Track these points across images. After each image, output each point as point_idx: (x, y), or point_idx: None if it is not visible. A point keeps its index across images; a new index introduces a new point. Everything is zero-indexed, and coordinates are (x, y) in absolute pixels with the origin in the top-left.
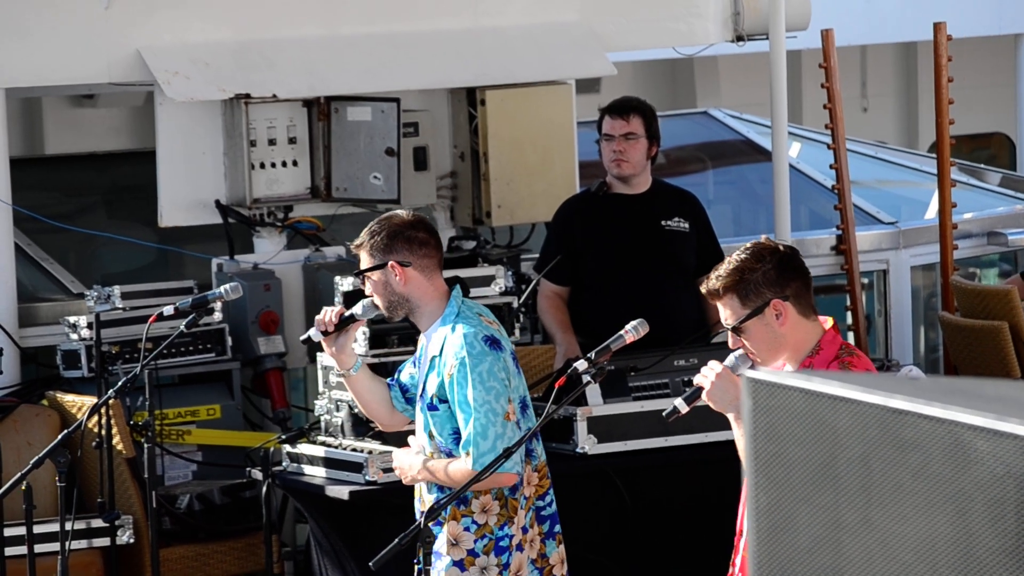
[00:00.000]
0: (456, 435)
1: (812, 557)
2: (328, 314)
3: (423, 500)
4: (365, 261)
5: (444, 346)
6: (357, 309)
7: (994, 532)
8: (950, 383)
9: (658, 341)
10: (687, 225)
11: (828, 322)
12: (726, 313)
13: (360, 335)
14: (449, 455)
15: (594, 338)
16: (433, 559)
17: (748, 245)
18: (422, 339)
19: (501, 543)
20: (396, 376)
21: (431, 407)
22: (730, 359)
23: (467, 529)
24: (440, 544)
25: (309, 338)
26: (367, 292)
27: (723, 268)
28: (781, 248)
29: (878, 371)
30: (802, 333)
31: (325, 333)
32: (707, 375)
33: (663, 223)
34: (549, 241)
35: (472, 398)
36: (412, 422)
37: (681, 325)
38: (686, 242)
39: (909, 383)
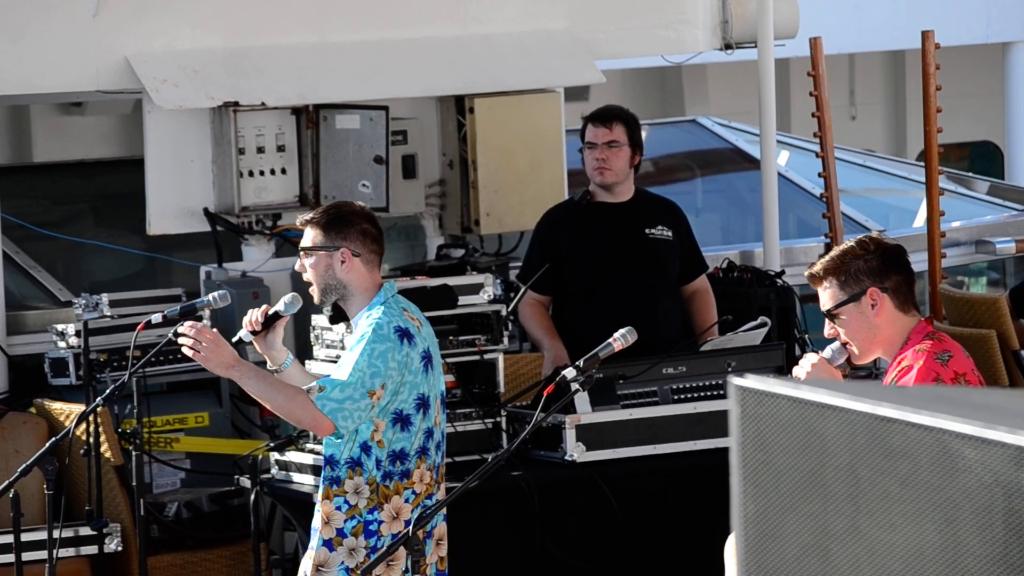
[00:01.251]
0: (396, 408)
1: (800, 565)
2: (254, 314)
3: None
4: (314, 238)
5: (358, 327)
6: (280, 306)
7: (982, 540)
8: (938, 391)
9: (643, 349)
10: (670, 233)
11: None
12: (824, 298)
13: (348, 343)
14: (397, 417)
15: (579, 346)
16: (311, 537)
17: (858, 236)
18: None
19: (370, 527)
20: (329, 375)
21: None
22: (828, 350)
23: (338, 508)
24: (315, 522)
25: (240, 340)
26: (298, 268)
27: (828, 254)
28: (888, 243)
29: (871, 378)
30: (898, 327)
31: (254, 333)
32: (803, 366)
33: (647, 231)
34: (532, 250)
35: (354, 362)
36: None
37: (666, 333)
38: (669, 250)
39: (897, 391)
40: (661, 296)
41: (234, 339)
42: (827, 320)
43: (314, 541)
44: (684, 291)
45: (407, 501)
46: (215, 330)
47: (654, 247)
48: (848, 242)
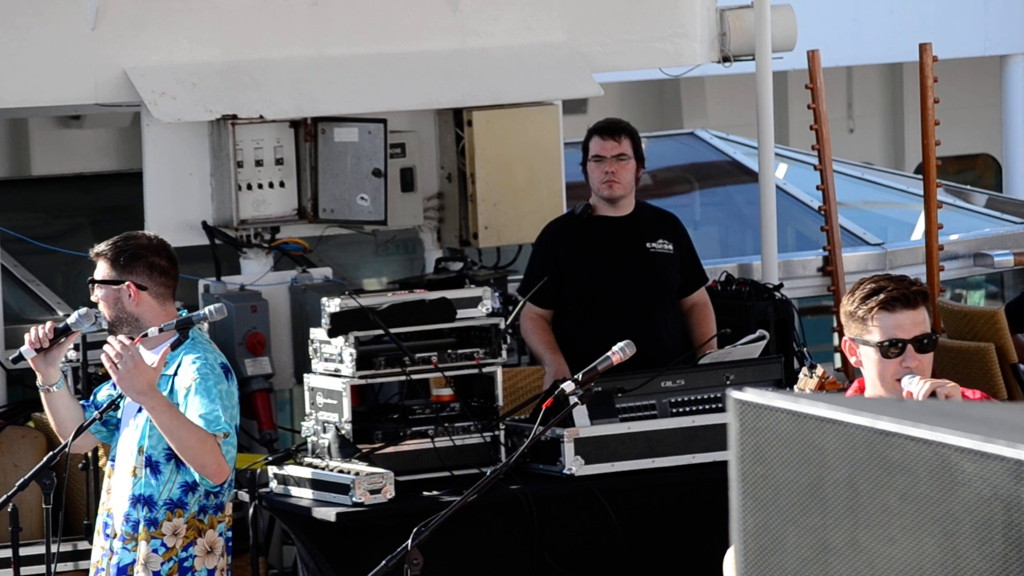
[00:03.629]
0: (170, 452)
1: None
2: (40, 330)
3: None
4: (103, 271)
5: (181, 365)
6: (71, 320)
7: (981, 554)
8: (937, 405)
9: (644, 363)
10: (671, 247)
11: None
12: (923, 320)
13: (347, 356)
14: (155, 470)
15: (580, 360)
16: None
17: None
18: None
19: (185, 563)
20: (93, 397)
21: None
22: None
23: (155, 551)
24: (119, 559)
25: (20, 355)
26: (94, 299)
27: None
28: None
29: None
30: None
31: (39, 350)
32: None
33: (648, 245)
34: (533, 263)
35: (218, 407)
36: (100, 444)
37: (667, 346)
38: (670, 264)
39: (896, 404)
40: (662, 310)
41: (13, 356)
42: (912, 347)
43: None
44: (683, 304)
45: (220, 535)
46: (141, 353)
47: (655, 261)
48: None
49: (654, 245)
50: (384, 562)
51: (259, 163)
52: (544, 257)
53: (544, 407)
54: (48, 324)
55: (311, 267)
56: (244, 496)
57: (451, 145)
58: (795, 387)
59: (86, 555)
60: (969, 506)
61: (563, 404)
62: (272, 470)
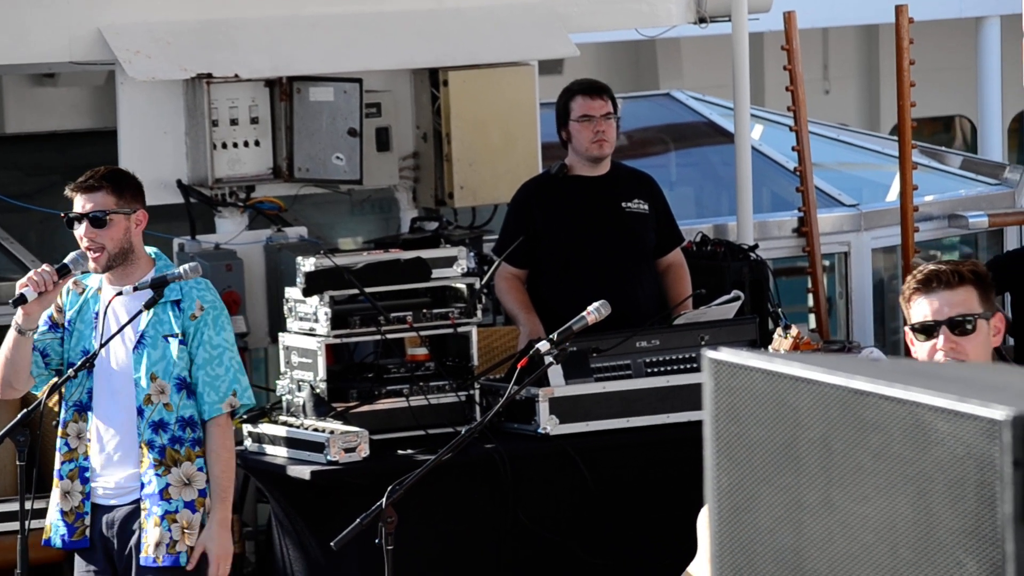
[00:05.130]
0: (180, 373)
1: (773, 537)
2: (44, 273)
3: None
4: (108, 202)
5: (187, 292)
6: (68, 260)
7: (954, 512)
8: (910, 364)
9: (619, 323)
10: (647, 207)
11: None
12: (962, 301)
13: (322, 315)
14: (182, 383)
15: (555, 320)
16: (150, 504)
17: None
18: (107, 292)
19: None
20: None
21: (152, 345)
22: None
23: (200, 469)
24: (163, 488)
25: (23, 296)
26: (87, 236)
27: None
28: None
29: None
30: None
31: (41, 292)
32: None
33: (623, 205)
34: (508, 223)
35: (225, 339)
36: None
37: (642, 306)
38: (646, 224)
39: (870, 364)
40: (637, 270)
41: (14, 299)
42: (946, 328)
43: (164, 507)
44: (659, 265)
45: (199, 469)
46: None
47: (630, 221)
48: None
49: (630, 205)
50: (358, 520)
51: (234, 122)
52: (519, 217)
53: (519, 366)
54: (47, 266)
55: (286, 226)
56: None
57: (427, 105)
58: (770, 347)
59: None
60: (942, 465)
61: (538, 364)
62: (247, 428)
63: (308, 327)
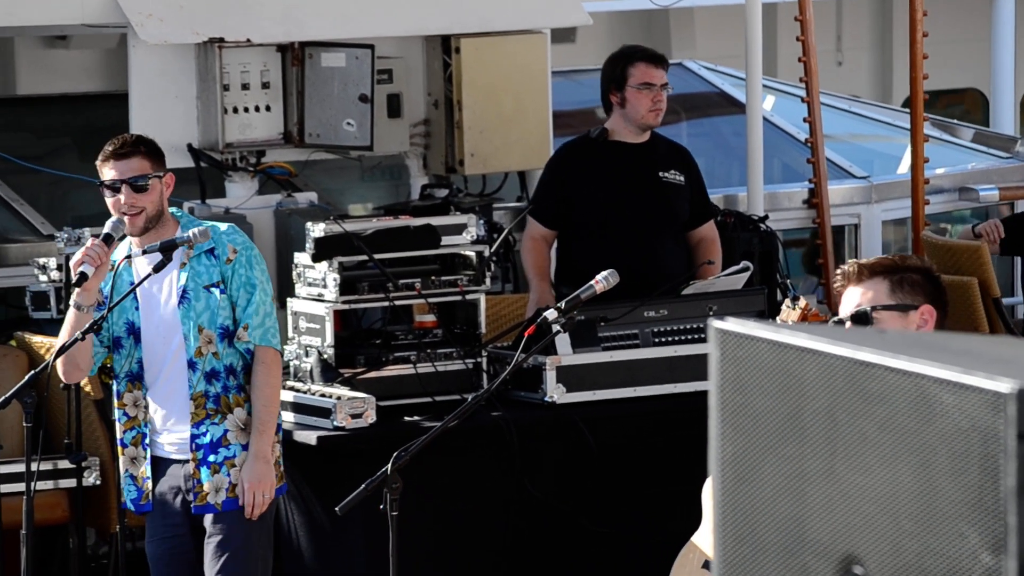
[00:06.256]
0: (223, 322)
1: (775, 506)
2: (95, 247)
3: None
4: (144, 166)
5: (217, 239)
6: (109, 228)
7: (956, 485)
8: (917, 336)
9: (645, 291)
10: (682, 178)
11: None
12: (869, 298)
13: (331, 281)
14: (225, 332)
15: (583, 283)
16: (205, 453)
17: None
18: (139, 263)
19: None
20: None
21: (195, 298)
22: None
23: (249, 414)
24: (222, 435)
25: (83, 275)
26: (128, 201)
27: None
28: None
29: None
30: None
31: (97, 266)
32: None
33: (660, 174)
34: (543, 183)
35: (257, 277)
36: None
37: (670, 276)
38: (680, 194)
39: (876, 336)
40: (667, 240)
41: (76, 279)
42: (852, 325)
43: (224, 454)
44: (691, 237)
45: (249, 414)
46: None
47: (666, 190)
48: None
49: (666, 175)
50: (364, 485)
51: (245, 87)
52: (555, 177)
53: (526, 335)
54: (91, 241)
55: (296, 191)
56: None
57: (438, 72)
58: (778, 318)
59: (66, 474)
60: (946, 437)
61: (546, 332)
62: None
63: (317, 292)
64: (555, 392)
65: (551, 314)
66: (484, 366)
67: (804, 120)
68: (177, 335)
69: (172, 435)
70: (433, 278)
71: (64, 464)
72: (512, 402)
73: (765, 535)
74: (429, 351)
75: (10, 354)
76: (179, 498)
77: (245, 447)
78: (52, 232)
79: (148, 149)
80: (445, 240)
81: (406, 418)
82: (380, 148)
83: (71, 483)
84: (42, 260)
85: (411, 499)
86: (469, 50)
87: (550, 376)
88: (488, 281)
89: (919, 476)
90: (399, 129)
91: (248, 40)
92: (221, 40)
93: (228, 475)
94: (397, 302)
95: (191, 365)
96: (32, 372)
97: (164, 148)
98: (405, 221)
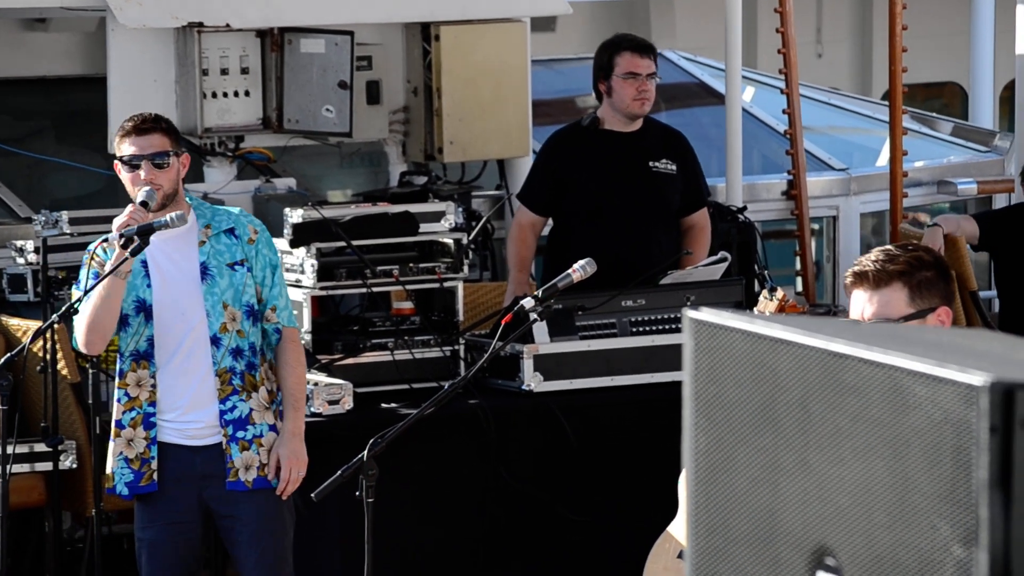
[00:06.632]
0: (248, 301)
1: (749, 498)
2: (137, 212)
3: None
4: (164, 143)
5: (235, 219)
6: (144, 198)
7: (930, 477)
8: (891, 329)
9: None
10: (674, 167)
11: None
12: (886, 303)
13: (309, 267)
14: (250, 311)
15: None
16: (234, 430)
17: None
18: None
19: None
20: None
21: (218, 275)
22: None
23: (269, 392)
24: (248, 413)
25: (130, 238)
26: (149, 178)
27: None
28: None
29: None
30: None
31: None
32: None
33: (651, 164)
34: (535, 170)
35: (277, 260)
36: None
37: (658, 266)
38: (672, 184)
39: (850, 327)
40: (657, 230)
41: (121, 243)
42: None
43: (252, 432)
44: (682, 224)
45: (269, 392)
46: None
47: (656, 180)
48: (905, 248)
49: (657, 165)
50: (339, 472)
51: (224, 72)
52: (546, 164)
53: (504, 322)
54: (131, 206)
55: (275, 177)
56: None
57: (418, 59)
58: (755, 309)
59: (42, 457)
60: (919, 429)
61: (523, 320)
62: None
63: (294, 278)
64: (532, 380)
65: (528, 302)
66: (461, 354)
67: (783, 112)
68: (198, 312)
69: (189, 414)
70: (411, 265)
71: (40, 447)
72: (489, 390)
73: (738, 526)
74: (406, 338)
75: None
76: (190, 482)
77: (271, 427)
78: (30, 215)
79: (167, 127)
80: (423, 227)
81: (383, 405)
82: (359, 135)
83: (47, 466)
84: (19, 243)
85: (387, 486)
86: (449, 37)
87: (527, 364)
88: (466, 269)
89: (892, 468)
90: (378, 116)
91: (227, 25)
92: (200, 25)
93: (257, 453)
94: (375, 289)
95: (215, 341)
96: (8, 355)
97: None
98: (383, 208)
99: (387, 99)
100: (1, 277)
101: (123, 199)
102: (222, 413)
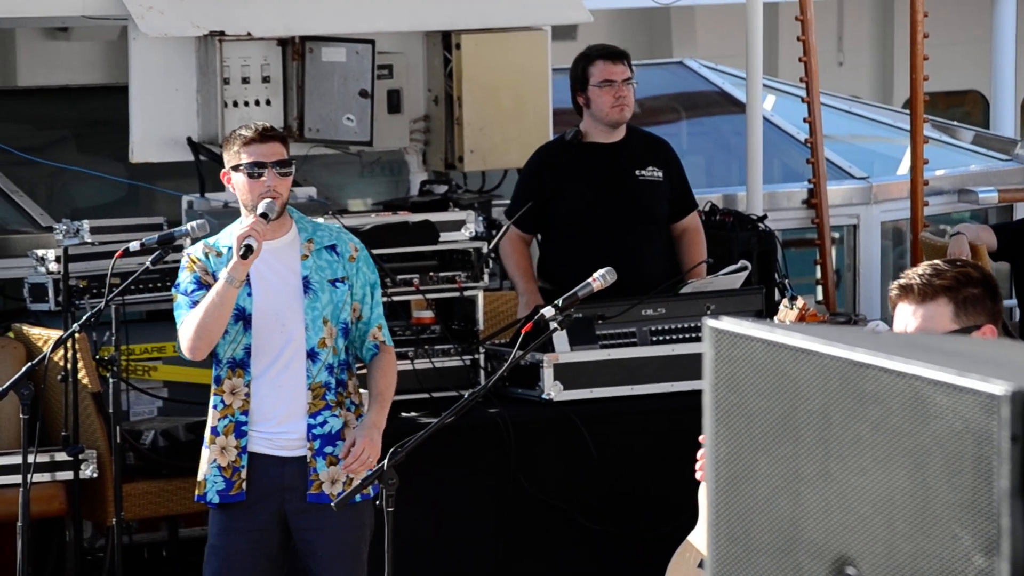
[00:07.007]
0: (345, 318)
1: (770, 507)
2: (258, 223)
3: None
4: (284, 152)
5: (336, 236)
6: (264, 210)
7: (951, 487)
8: (912, 338)
9: (626, 292)
10: (661, 174)
11: None
12: (930, 317)
13: None
14: (345, 328)
15: (563, 288)
16: (321, 444)
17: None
18: (254, 245)
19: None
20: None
21: (320, 290)
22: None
23: (349, 409)
24: (340, 428)
25: (249, 247)
26: (273, 184)
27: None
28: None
29: (845, 325)
30: None
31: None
32: None
33: (637, 173)
34: (520, 187)
35: (376, 279)
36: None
37: (651, 275)
38: (659, 191)
39: (871, 337)
40: (648, 240)
41: (242, 252)
42: None
43: (339, 448)
44: (674, 229)
45: (349, 409)
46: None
47: (643, 189)
48: (953, 263)
49: (643, 173)
50: (360, 481)
51: (246, 80)
52: (531, 181)
53: (524, 332)
54: (253, 217)
55: (295, 186)
56: None
57: (439, 68)
58: (775, 318)
59: (63, 466)
60: (940, 439)
61: (543, 329)
62: None
63: None
64: (552, 389)
65: (548, 311)
66: (481, 363)
67: (804, 120)
68: (297, 325)
69: (281, 426)
70: (431, 274)
71: (61, 456)
72: (509, 399)
73: (759, 535)
74: (427, 347)
75: (8, 346)
76: (273, 494)
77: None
78: (51, 224)
79: (284, 136)
80: (444, 236)
81: (403, 414)
82: (380, 144)
83: (68, 476)
84: (40, 252)
85: (407, 495)
86: (470, 46)
87: (547, 373)
88: (486, 277)
89: (913, 477)
90: (399, 125)
91: (249, 34)
92: (222, 33)
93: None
94: (395, 298)
95: (312, 355)
96: (29, 364)
97: (163, 141)
98: (404, 217)
99: (408, 108)
100: (22, 286)
101: (144, 208)
102: (310, 427)
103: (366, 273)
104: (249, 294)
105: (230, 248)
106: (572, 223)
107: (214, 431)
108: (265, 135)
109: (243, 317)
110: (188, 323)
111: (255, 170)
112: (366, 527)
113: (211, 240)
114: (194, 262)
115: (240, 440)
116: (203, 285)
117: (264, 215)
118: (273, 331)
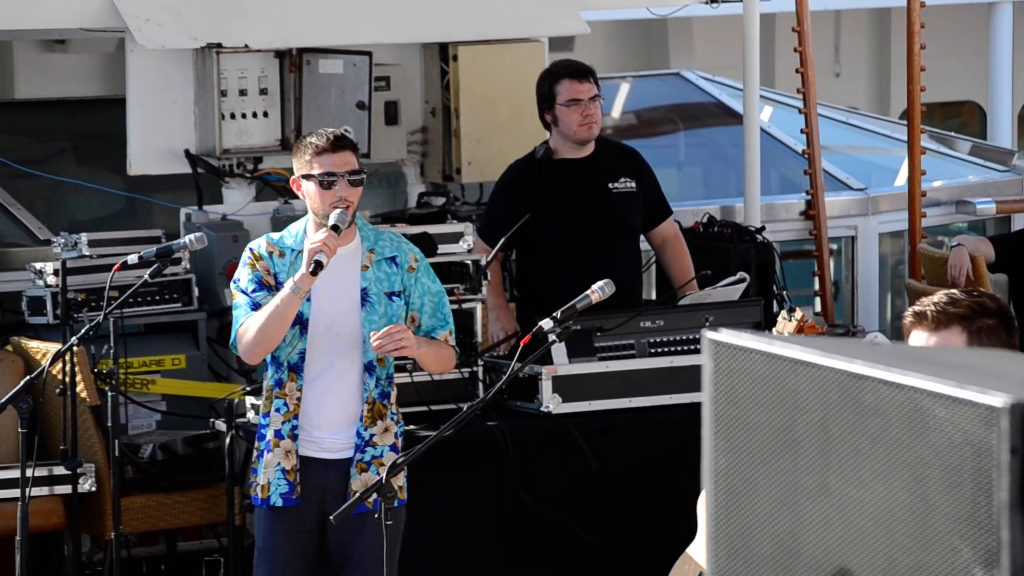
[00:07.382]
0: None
1: (770, 521)
2: (330, 238)
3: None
4: (355, 162)
5: (397, 246)
6: (335, 221)
7: (950, 499)
8: (912, 350)
9: (607, 304)
10: (633, 184)
11: None
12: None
13: None
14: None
15: (542, 304)
16: (358, 454)
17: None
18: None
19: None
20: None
21: (377, 302)
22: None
23: (391, 418)
24: (371, 437)
25: (319, 263)
26: (346, 194)
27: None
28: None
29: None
30: None
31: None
32: None
33: (610, 186)
34: (492, 205)
35: (440, 286)
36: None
37: (626, 288)
38: (633, 203)
39: (870, 349)
40: (622, 251)
41: (311, 269)
42: None
43: (372, 453)
44: (653, 238)
45: (389, 418)
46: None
47: (618, 202)
48: (970, 293)
49: (616, 185)
50: (359, 494)
51: (243, 92)
52: (507, 198)
53: (522, 344)
54: (325, 232)
55: (293, 198)
56: (221, 426)
57: (436, 80)
58: (774, 330)
59: (61, 480)
60: (940, 451)
61: (541, 341)
62: (250, 400)
63: None
64: (551, 402)
65: (547, 323)
66: (480, 375)
67: (801, 131)
68: (351, 335)
69: (336, 434)
70: None
71: (59, 470)
72: (508, 412)
73: (758, 548)
74: None
75: (6, 359)
76: (317, 495)
77: (392, 447)
78: (49, 237)
79: (355, 145)
80: (442, 248)
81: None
82: (377, 155)
83: (66, 489)
84: (39, 265)
85: (407, 507)
86: (467, 58)
87: (546, 386)
88: (484, 290)
89: (913, 490)
90: (396, 137)
91: (246, 46)
92: (219, 46)
93: (377, 473)
94: None
95: (369, 368)
96: (28, 377)
97: (161, 153)
98: (402, 229)
99: (405, 120)
100: (21, 299)
101: (142, 221)
102: (359, 434)
103: (425, 283)
104: (308, 300)
105: (294, 250)
106: (548, 239)
107: (278, 434)
108: (337, 144)
109: (300, 322)
110: (249, 326)
111: (327, 180)
112: (399, 532)
113: (275, 236)
114: (257, 259)
115: (295, 443)
116: (264, 285)
117: (335, 227)
118: (328, 339)
